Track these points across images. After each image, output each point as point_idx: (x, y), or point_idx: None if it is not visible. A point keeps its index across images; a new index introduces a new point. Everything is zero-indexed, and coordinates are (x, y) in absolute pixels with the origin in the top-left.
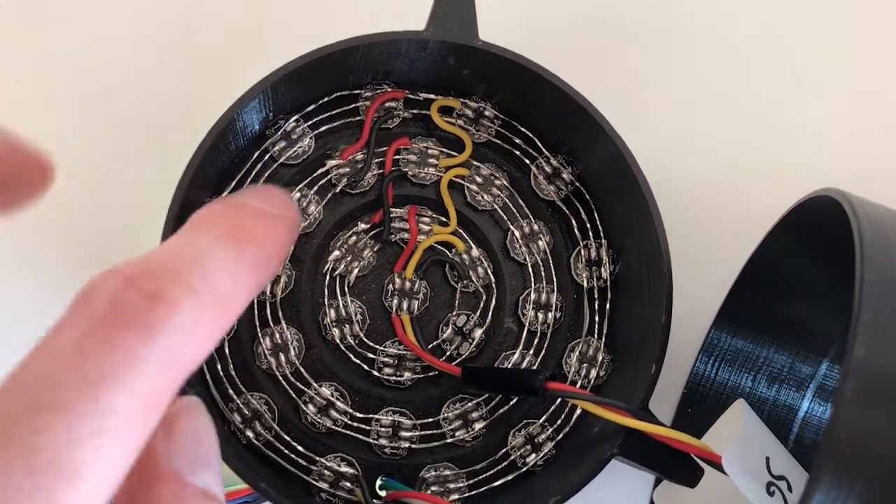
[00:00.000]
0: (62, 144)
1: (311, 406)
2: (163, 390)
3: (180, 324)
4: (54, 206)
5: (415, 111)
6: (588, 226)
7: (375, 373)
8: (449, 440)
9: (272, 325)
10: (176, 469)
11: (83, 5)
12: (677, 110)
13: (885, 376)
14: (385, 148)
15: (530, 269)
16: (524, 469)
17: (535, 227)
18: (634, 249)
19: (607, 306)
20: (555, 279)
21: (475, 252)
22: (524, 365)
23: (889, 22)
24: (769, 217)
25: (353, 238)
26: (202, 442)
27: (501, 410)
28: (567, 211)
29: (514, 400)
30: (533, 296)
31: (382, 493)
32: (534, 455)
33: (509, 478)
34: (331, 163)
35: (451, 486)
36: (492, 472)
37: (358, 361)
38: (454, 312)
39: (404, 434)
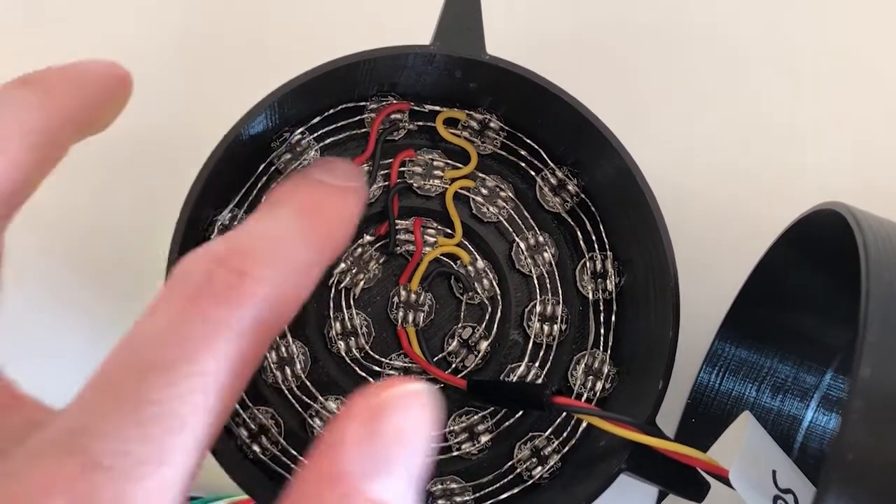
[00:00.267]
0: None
1: (317, 420)
2: (249, 356)
3: (265, 295)
4: (58, 217)
5: (420, 123)
6: (593, 238)
7: None
8: (455, 453)
9: (278, 338)
10: (350, 471)
11: (85, 13)
12: (683, 121)
13: (891, 396)
14: (390, 160)
15: (535, 281)
16: (530, 482)
17: (541, 238)
18: (640, 262)
19: (613, 318)
20: (560, 291)
21: (480, 264)
22: (530, 377)
23: None
24: (773, 228)
25: (359, 250)
26: (400, 443)
27: (507, 423)
28: (572, 223)
29: (520, 413)
30: (538, 308)
31: None
32: (540, 468)
33: (515, 491)
34: None
35: (458, 499)
36: (498, 485)
37: (364, 374)
38: (460, 324)
39: None
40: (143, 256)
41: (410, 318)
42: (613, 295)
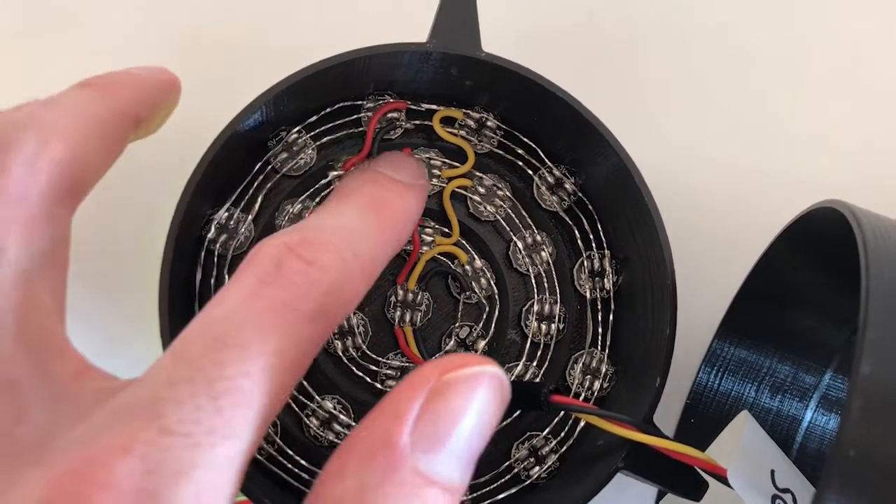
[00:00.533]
0: None
1: (313, 419)
2: (314, 339)
3: (331, 284)
4: None
5: (417, 122)
6: (591, 236)
7: (378, 385)
8: None
9: None
10: (402, 443)
11: (83, 13)
12: (681, 119)
13: (892, 393)
14: None
15: (533, 280)
16: (528, 482)
17: (538, 237)
18: (638, 260)
19: (611, 317)
20: (558, 290)
21: (478, 263)
22: (528, 376)
23: None
24: (773, 226)
25: None
26: (463, 422)
27: (505, 422)
28: (570, 221)
29: (518, 412)
30: (536, 307)
31: None
32: (538, 467)
33: (513, 490)
34: (333, 174)
35: None
36: (495, 485)
37: (360, 374)
38: (457, 324)
39: None
40: (139, 254)
41: (408, 317)
42: (611, 294)
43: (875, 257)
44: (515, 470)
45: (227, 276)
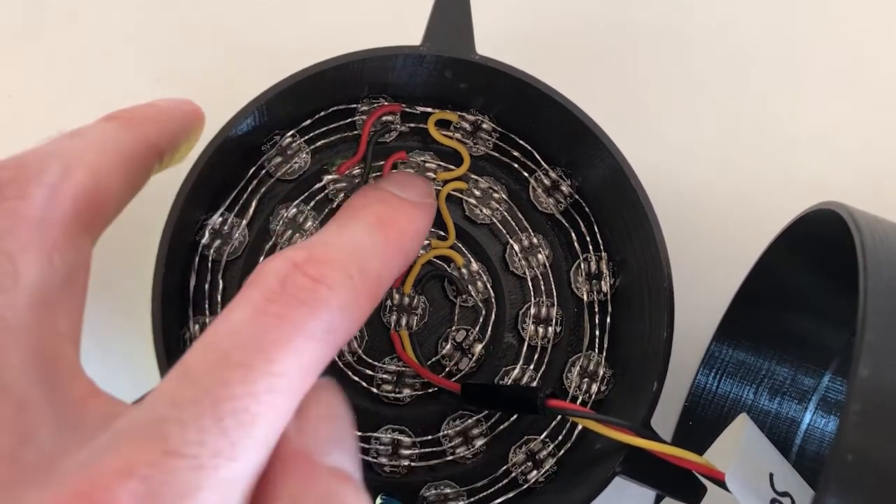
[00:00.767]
0: None
1: None
2: (320, 359)
3: (338, 303)
4: None
5: (412, 125)
6: (588, 239)
7: (374, 390)
8: (449, 457)
9: None
10: (308, 450)
11: (82, 15)
12: (679, 120)
13: (890, 396)
14: (382, 162)
15: (530, 283)
16: (525, 486)
17: (535, 240)
18: (635, 263)
19: (608, 320)
20: (555, 293)
21: (474, 266)
22: (524, 380)
23: None
24: (771, 229)
25: None
26: (335, 422)
27: (502, 427)
28: (566, 224)
29: (515, 416)
30: (533, 310)
31: None
32: (535, 472)
33: (510, 495)
34: (327, 178)
35: None
36: (493, 489)
37: (357, 378)
38: (453, 328)
39: (404, 452)
40: (133, 258)
41: (404, 321)
42: (608, 296)
43: (873, 258)
44: (513, 474)
45: (221, 282)
